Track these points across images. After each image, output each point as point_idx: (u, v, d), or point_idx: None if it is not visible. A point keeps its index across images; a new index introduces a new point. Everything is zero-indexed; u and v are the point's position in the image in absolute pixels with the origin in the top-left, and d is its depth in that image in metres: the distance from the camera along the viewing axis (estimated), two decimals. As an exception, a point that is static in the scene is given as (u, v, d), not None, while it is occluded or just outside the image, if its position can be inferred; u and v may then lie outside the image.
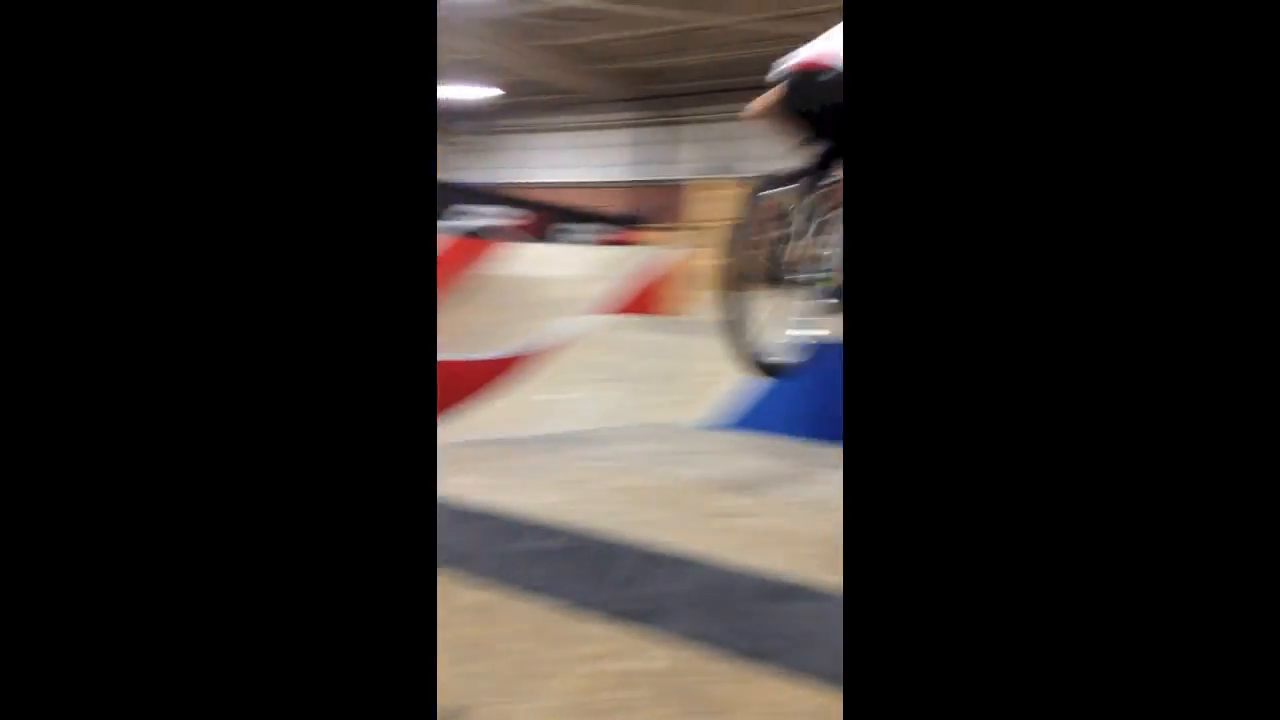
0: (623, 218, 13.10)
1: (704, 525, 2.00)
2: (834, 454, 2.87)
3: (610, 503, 2.15)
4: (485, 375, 5.07)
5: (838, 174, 2.65)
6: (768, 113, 2.70)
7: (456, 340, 5.55)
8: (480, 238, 8.51)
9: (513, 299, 6.95)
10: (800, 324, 2.73)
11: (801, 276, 2.68)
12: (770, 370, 2.67)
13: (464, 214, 9.39)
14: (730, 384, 3.77)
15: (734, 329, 2.50)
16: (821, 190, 2.67)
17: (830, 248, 2.69)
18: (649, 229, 10.85)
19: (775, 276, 2.64)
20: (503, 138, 18.38)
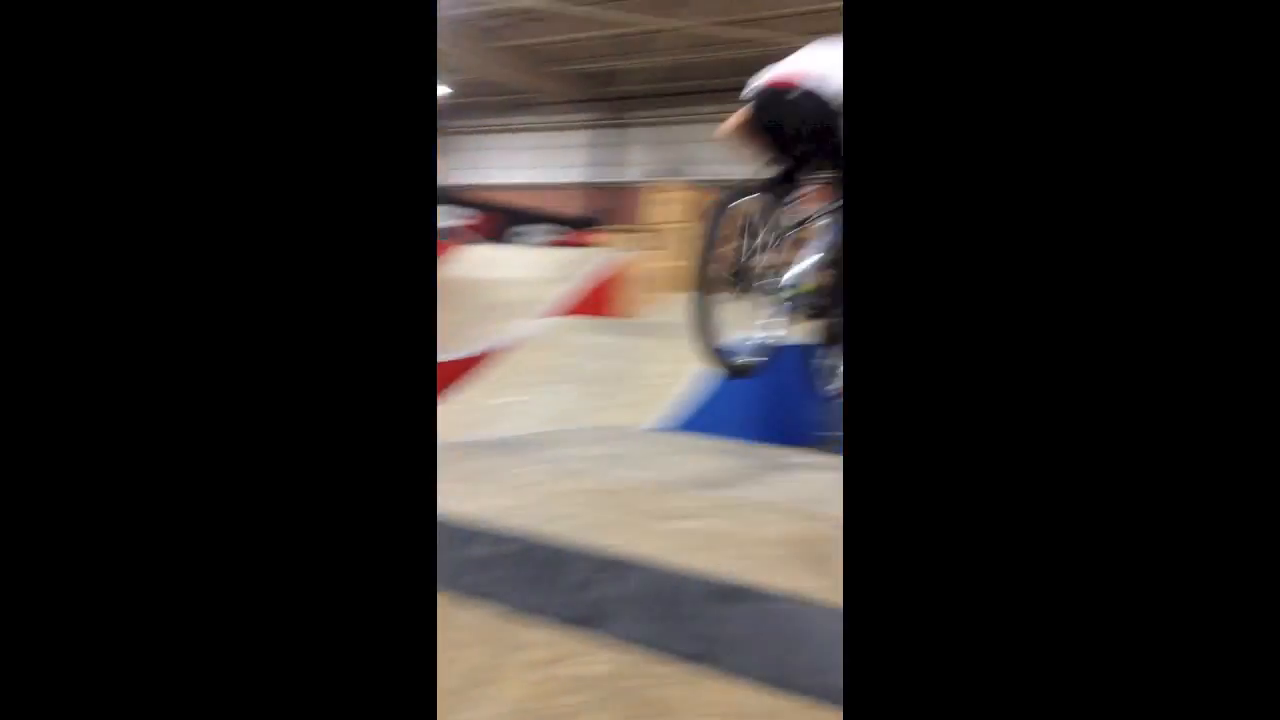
0: (577, 219, 13.08)
1: (653, 528, 2.01)
2: (782, 456, 2.91)
3: (562, 506, 2.14)
4: (440, 378, 5.04)
5: (803, 189, 2.80)
6: (738, 131, 2.84)
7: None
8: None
9: (465, 301, 6.90)
10: (764, 326, 2.81)
11: (766, 284, 2.79)
12: (737, 370, 2.74)
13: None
14: (681, 386, 3.80)
15: (703, 330, 2.57)
16: (787, 205, 2.80)
17: (795, 260, 2.83)
18: (602, 231, 10.85)
19: (742, 284, 2.73)
20: (456, 138, 18.23)
